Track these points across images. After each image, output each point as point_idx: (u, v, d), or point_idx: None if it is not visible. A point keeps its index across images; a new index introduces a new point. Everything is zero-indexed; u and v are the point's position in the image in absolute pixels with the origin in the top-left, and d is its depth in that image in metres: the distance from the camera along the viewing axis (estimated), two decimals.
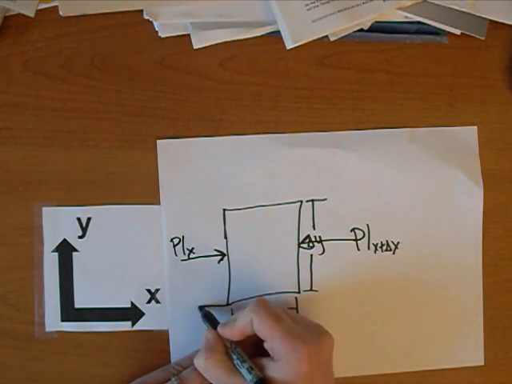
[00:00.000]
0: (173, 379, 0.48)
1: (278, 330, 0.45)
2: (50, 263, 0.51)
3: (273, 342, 0.45)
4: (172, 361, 0.52)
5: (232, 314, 0.52)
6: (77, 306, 0.51)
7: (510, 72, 0.55)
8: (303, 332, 0.46)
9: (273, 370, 0.45)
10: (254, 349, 0.48)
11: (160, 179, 0.52)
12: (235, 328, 0.47)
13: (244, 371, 0.45)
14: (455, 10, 0.52)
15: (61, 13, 0.49)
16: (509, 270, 0.55)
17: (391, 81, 0.54)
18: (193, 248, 0.52)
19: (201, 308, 0.51)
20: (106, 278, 0.52)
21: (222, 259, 0.52)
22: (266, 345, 0.46)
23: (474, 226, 0.54)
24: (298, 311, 0.53)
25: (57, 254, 0.51)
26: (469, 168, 0.54)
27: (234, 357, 0.46)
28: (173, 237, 0.52)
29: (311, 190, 0.53)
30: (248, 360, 0.46)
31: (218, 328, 0.48)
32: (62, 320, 0.51)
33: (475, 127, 0.54)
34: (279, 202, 0.53)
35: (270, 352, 0.46)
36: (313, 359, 0.44)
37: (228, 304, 0.52)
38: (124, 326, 0.52)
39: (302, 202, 0.53)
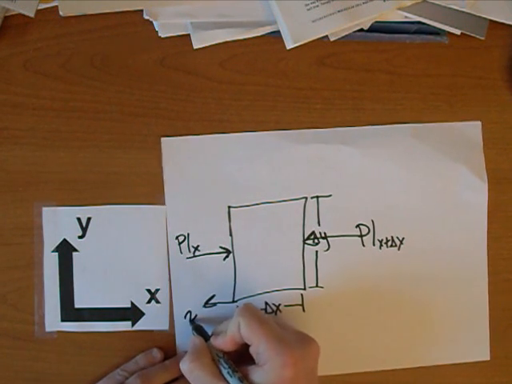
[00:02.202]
0: None
1: (263, 334, 0.45)
2: (50, 263, 0.51)
3: (258, 345, 0.45)
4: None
5: None
6: (77, 306, 0.51)
7: (510, 72, 0.55)
8: (289, 337, 0.46)
9: (257, 375, 0.45)
10: (240, 360, 0.47)
11: (164, 176, 0.52)
12: (227, 336, 0.46)
13: (235, 381, 0.45)
14: (455, 9, 0.52)
15: (61, 13, 0.49)
16: (509, 269, 0.55)
17: (391, 81, 0.54)
18: (198, 245, 0.52)
19: (191, 321, 0.51)
20: (105, 278, 0.52)
21: (227, 256, 0.52)
22: (251, 349, 0.46)
23: (478, 220, 0.54)
24: (303, 308, 0.53)
25: (57, 254, 0.51)
26: (473, 163, 0.54)
27: (226, 366, 0.46)
28: (178, 234, 0.52)
29: (316, 187, 0.53)
30: (239, 371, 0.46)
31: (212, 339, 0.48)
32: (62, 320, 0.51)
33: (479, 122, 0.54)
34: (284, 199, 0.53)
35: (254, 357, 0.46)
36: (298, 364, 0.44)
37: (234, 301, 0.52)
38: (124, 325, 0.52)
39: (306, 198, 0.53)
